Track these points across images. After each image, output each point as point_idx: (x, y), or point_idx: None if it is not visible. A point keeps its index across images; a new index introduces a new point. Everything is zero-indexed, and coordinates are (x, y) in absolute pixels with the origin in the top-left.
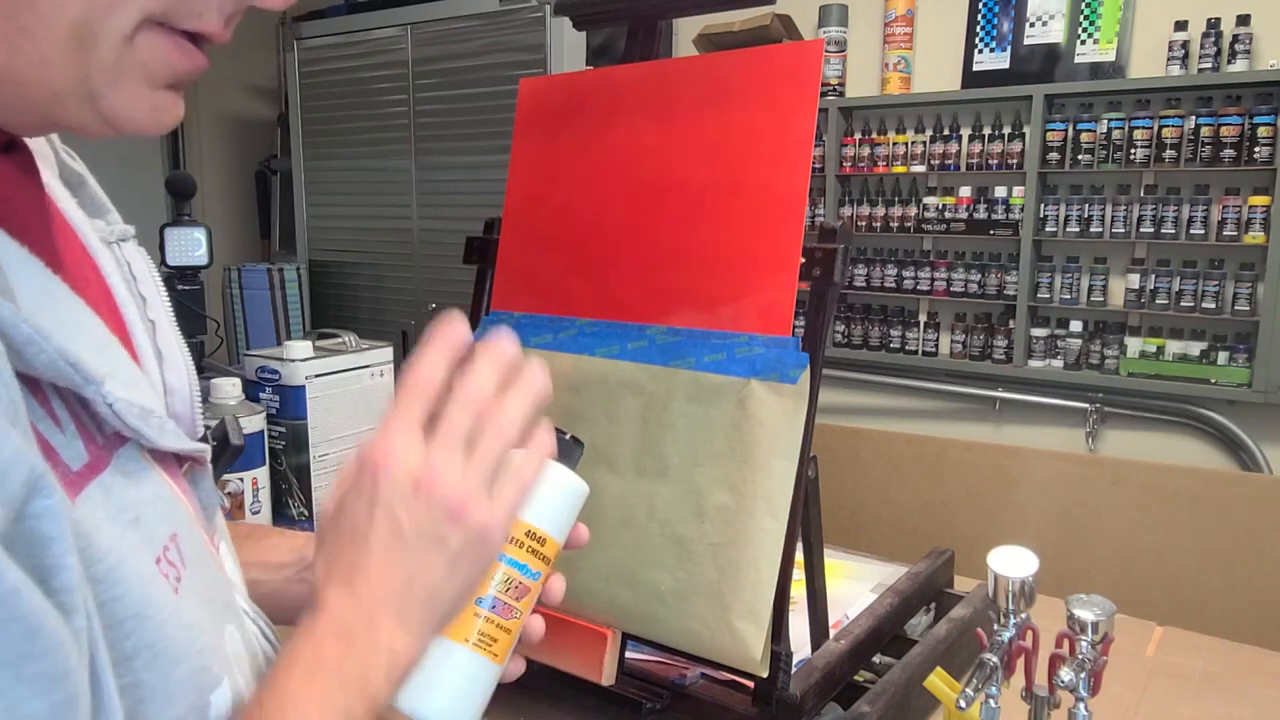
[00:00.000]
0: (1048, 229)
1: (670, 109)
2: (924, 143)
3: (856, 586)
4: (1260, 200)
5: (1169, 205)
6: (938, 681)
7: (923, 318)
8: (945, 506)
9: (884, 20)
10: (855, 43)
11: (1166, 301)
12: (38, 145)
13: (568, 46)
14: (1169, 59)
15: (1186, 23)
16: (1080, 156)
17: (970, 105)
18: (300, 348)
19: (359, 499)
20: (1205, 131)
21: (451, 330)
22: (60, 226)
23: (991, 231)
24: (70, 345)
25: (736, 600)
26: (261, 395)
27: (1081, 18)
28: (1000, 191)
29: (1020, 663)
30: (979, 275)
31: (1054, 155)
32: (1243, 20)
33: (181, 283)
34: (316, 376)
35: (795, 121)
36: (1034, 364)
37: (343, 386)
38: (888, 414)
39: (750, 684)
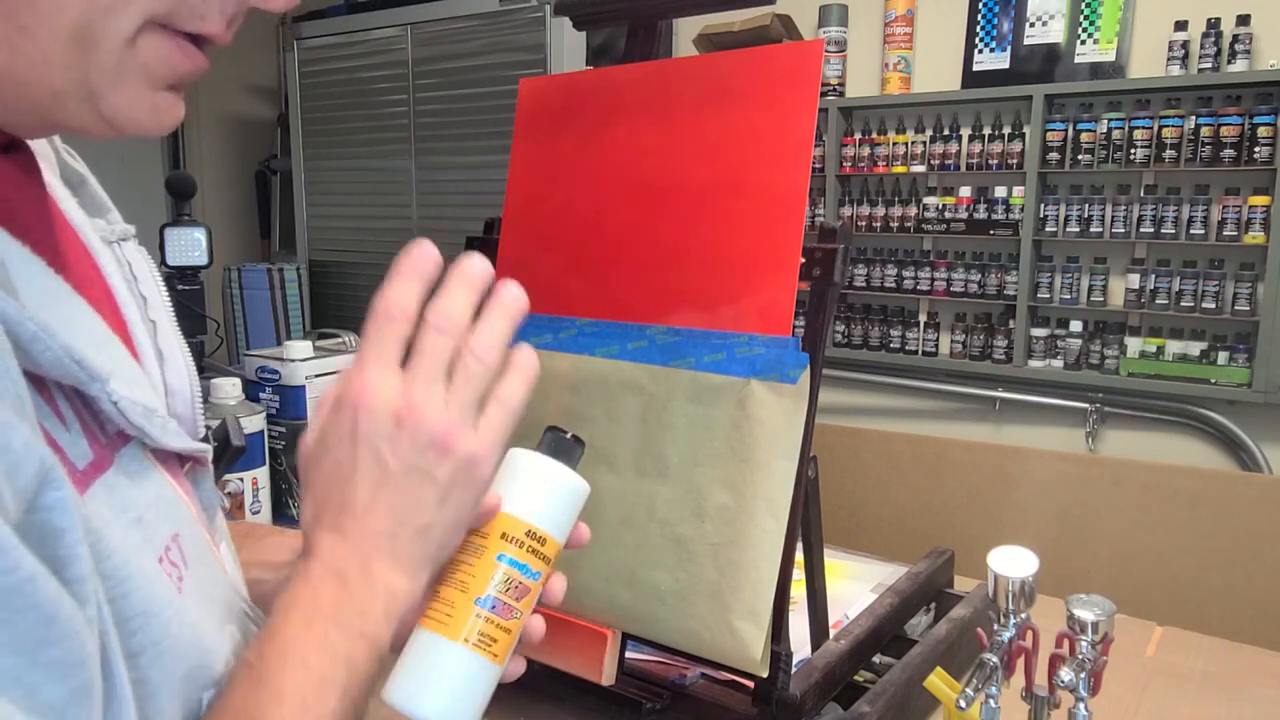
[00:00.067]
0: (1048, 229)
1: (670, 109)
2: (924, 143)
3: (856, 586)
4: (1260, 200)
5: (1169, 205)
6: (938, 681)
7: (923, 318)
8: (945, 506)
9: (884, 20)
10: (855, 43)
11: (1166, 301)
12: (38, 145)
13: (568, 46)
14: (1169, 59)
15: (1186, 23)
16: (1080, 156)
17: (970, 105)
18: (300, 348)
19: (340, 439)
20: (1205, 131)
21: (419, 255)
22: (62, 226)
23: (991, 231)
24: (74, 344)
25: (736, 600)
26: (261, 395)
27: (1081, 18)
28: (1000, 191)
29: (1020, 663)
30: (979, 275)
31: (1054, 155)
32: (1243, 20)
33: (181, 283)
34: (316, 376)
35: (795, 121)
36: (1034, 364)
37: None
38: (888, 414)
39: (750, 684)
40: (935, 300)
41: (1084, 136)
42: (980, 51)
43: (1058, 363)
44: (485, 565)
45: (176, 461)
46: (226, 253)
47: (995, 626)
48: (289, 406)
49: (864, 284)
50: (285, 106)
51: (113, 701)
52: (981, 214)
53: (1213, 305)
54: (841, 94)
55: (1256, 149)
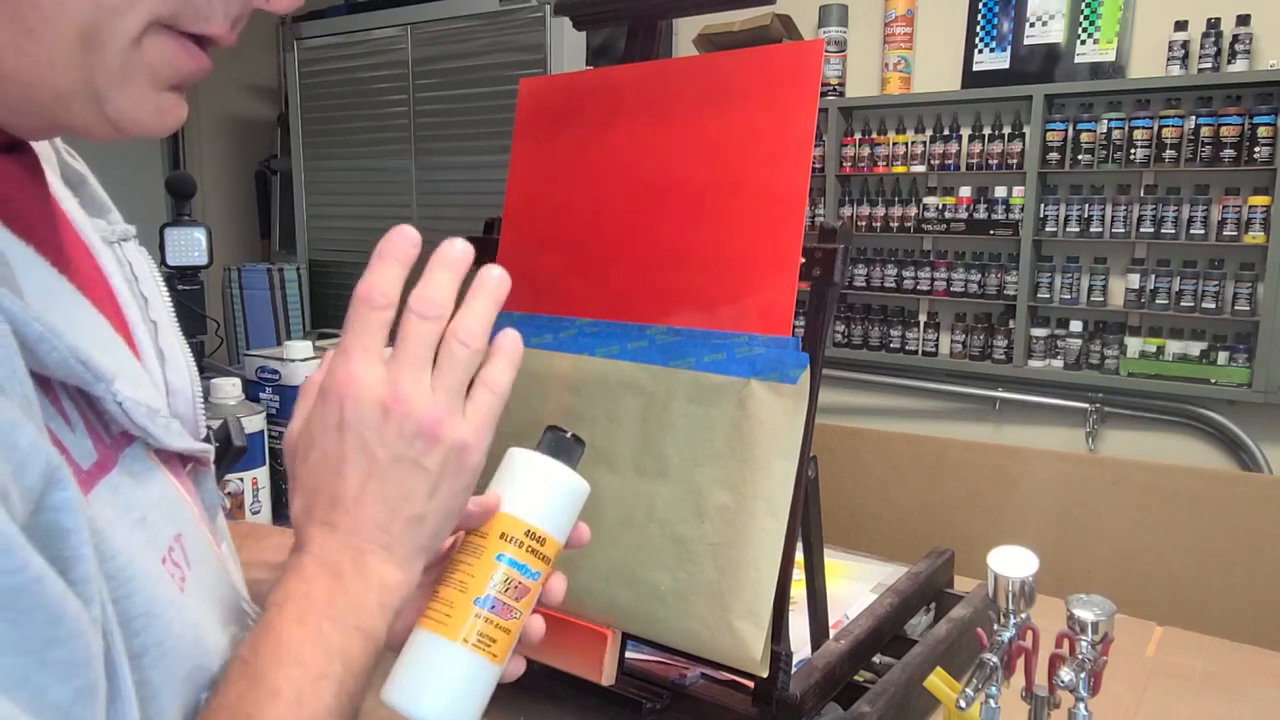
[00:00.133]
0: (1048, 229)
1: (670, 109)
2: (924, 143)
3: (856, 586)
4: (1260, 200)
5: (1169, 205)
6: (938, 681)
7: (923, 318)
8: (945, 506)
9: (884, 20)
10: (855, 43)
11: (1166, 301)
12: (40, 146)
13: (568, 46)
14: (1169, 59)
15: (1186, 23)
16: (1080, 156)
17: (970, 105)
18: (300, 348)
19: (326, 431)
20: (1205, 131)
21: (398, 238)
22: (64, 227)
23: (991, 231)
24: (80, 344)
25: (736, 600)
26: (261, 395)
27: (1081, 18)
28: (1000, 191)
29: (1020, 663)
30: (979, 275)
31: (1054, 155)
32: (1243, 20)
33: (181, 283)
34: None
35: (795, 121)
36: (1034, 364)
37: None
38: (888, 414)
39: (750, 684)
40: (935, 300)
41: (1084, 136)
42: (980, 51)
43: (1058, 363)
44: (484, 565)
45: (179, 462)
46: (226, 253)
47: (995, 626)
48: (289, 406)
49: (864, 284)
50: (285, 106)
51: (116, 701)
52: (981, 214)
53: (1213, 305)
54: (841, 94)
55: (1256, 149)
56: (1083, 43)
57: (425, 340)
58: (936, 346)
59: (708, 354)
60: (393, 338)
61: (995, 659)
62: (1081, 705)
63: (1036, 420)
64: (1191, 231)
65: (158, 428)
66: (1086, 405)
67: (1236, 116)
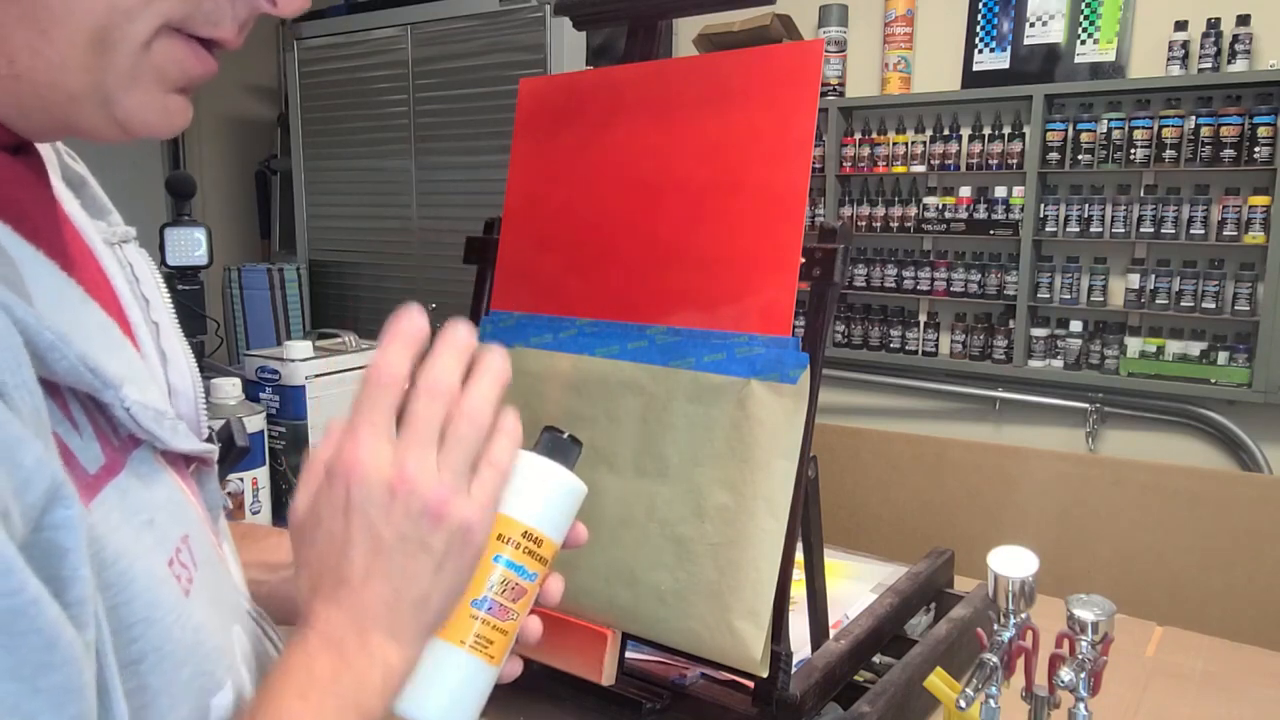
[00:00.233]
0: (1048, 229)
1: (670, 109)
2: (924, 143)
3: (856, 586)
4: (1260, 200)
5: (1169, 205)
6: (938, 681)
7: (923, 318)
8: (945, 506)
9: (884, 20)
10: (855, 43)
11: (1166, 301)
12: (42, 147)
13: (568, 46)
14: (1169, 59)
15: (1186, 23)
16: (1080, 156)
17: (970, 105)
18: (300, 348)
19: (333, 509)
20: (1205, 131)
21: (409, 322)
22: (68, 228)
23: (991, 231)
24: (88, 349)
25: (736, 600)
26: (261, 395)
27: (1081, 18)
28: (1000, 191)
29: (1020, 663)
30: (979, 275)
31: (1054, 155)
32: (1243, 20)
33: (181, 283)
34: (316, 376)
35: (795, 121)
36: (1034, 364)
37: (343, 386)
38: (888, 414)
39: (750, 684)
40: (935, 300)
41: (1084, 136)
42: (980, 51)
43: (1058, 363)
44: (482, 566)
45: (183, 462)
46: (226, 253)
47: (995, 626)
48: (289, 406)
49: (864, 284)
50: (285, 106)
51: None
52: (981, 214)
53: (1213, 305)
54: (841, 94)
55: (1256, 149)
56: (1083, 43)
57: (432, 420)
58: (936, 346)
59: (708, 354)
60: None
61: (995, 659)
62: (1081, 705)
63: (1036, 420)
64: (1191, 231)
65: (164, 431)
66: (1086, 405)
67: (1236, 116)
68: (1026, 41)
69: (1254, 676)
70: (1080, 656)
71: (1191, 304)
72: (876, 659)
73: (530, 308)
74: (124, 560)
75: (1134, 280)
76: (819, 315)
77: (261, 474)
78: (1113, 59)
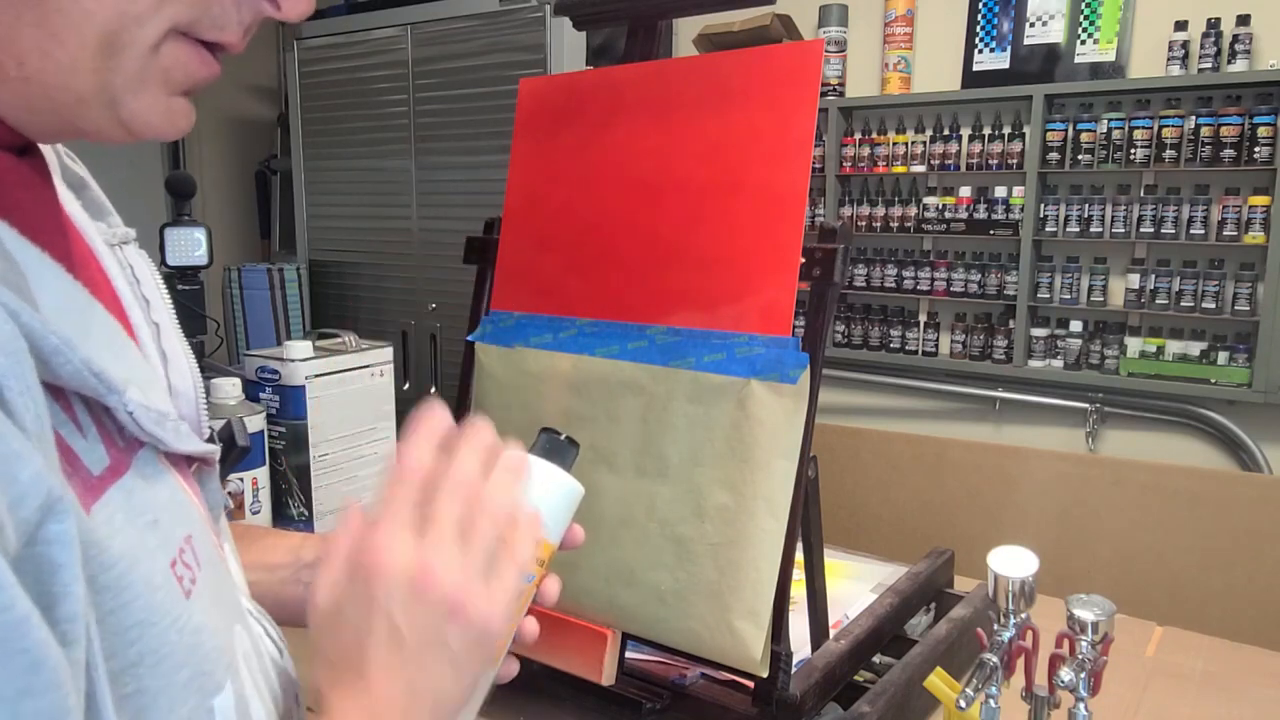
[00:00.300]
0: (1048, 229)
1: (670, 109)
2: (924, 143)
3: (856, 586)
4: (1260, 200)
5: (1169, 205)
6: (938, 681)
7: (923, 318)
8: (945, 506)
9: (884, 20)
10: (855, 43)
11: (1166, 301)
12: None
13: (568, 46)
14: (1169, 59)
15: (1186, 23)
16: (1080, 156)
17: (970, 105)
18: (300, 348)
19: (355, 604)
20: (1205, 131)
21: (432, 417)
22: (70, 230)
23: (991, 231)
24: (93, 353)
25: (736, 600)
26: (261, 395)
27: (1081, 18)
28: (1000, 191)
29: (1020, 663)
30: (979, 275)
31: (1054, 155)
32: (1243, 20)
33: (181, 283)
34: (316, 376)
35: (795, 121)
36: (1034, 364)
37: (343, 386)
38: (888, 414)
39: (750, 684)
40: (935, 300)
41: (1084, 136)
42: (980, 51)
43: (1058, 363)
44: None
45: (185, 463)
46: (226, 253)
47: (995, 626)
48: (289, 406)
49: (864, 284)
50: (285, 106)
51: None
52: (981, 214)
53: (1213, 305)
54: (841, 94)
55: (1256, 149)
56: (1083, 43)
57: (454, 516)
58: (936, 346)
59: (708, 354)
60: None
61: (995, 659)
62: (1081, 705)
63: (1036, 420)
64: (1191, 231)
65: (167, 433)
66: (1086, 405)
67: (1236, 116)
68: (1026, 41)
69: (1254, 676)
70: (1080, 656)
71: (1191, 304)
72: (876, 659)
73: (530, 308)
74: (124, 562)
75: (1134, 280)
76: (819, 315)
77: (261, 474)
78: (1113, 59)
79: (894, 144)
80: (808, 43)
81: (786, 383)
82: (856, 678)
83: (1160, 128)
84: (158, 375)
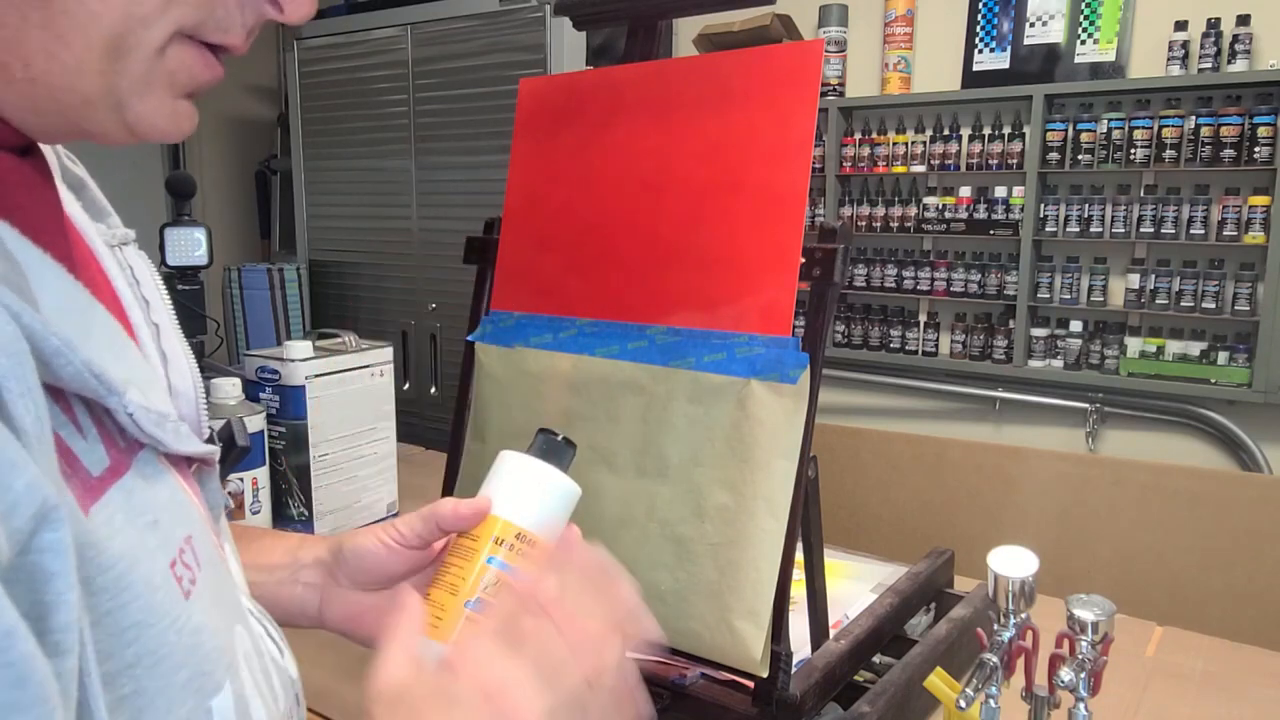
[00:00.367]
0: (1048, 229)
1: (670, 109)
2: (924, 143)
3: (856, 586)
4: (1260, 200)
5: (1169, 205)
6: (938, 681)
7: (923, 318)
8: (945, 506)
9: (884, 20)
10: (855, 43)
11: (1166, 301)
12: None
13: (568, 46)
14: (1169, 59)
15: (1186, 23)
16: (1080, 156)
17: (970, 105)
18: (300, 348)
19: (426, 694)
20: (1205, 131)
21: (570, 551)
22: (72, 230)
23: (991, 231)
24: (94, 354)
25: (736, 600)
26: (261, 395)
27: (1081, 18)
28: (1000, 191)
29: (1020, 663)
30: (979, 275)
31: (1054, 155)
32: (1243, 20)
33: (181, 283)
34: (316, 376)
35: (795, 121)
36: (1034, 364)
37: (343, 386)
38: (888, 414)
39: (750, 684)
40: (935, 300)
41: (1084, 136)
42: (980, 51)
43: (1058, 363)
44: (475, 568)
45: (185, 463)
46: (226, 253)
47: (995, 626)
48: (289, 406)
49: (864, 284)
50: (285, 106)
51: None
52: (981, 214)
53: (1213, 305)
54: (841, 94)
55: (1256, 149)
56: (1083, 43)
57: (546, 645)
58: (936, 346)
59: (708, 354)
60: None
61: (995, 659)
62: (1081, 705)
63: (1036, 420)
64: (1191, 231)
65: (167, 434)
66: (1086, 405)
67: (1236, 116)
68: (1026, 41)
69: (1254, 676)
70: (1080, 656)
71: (1191, 304)
72: (876, 659)
73: (530, 308)
74: (124, 563)
75: (1134, 280)
76: (819, 315)
77: (261, 474)
78: (1113, 59)
79: (894, 144)
80: (808, 43)
81: (786, 383)
82: (856, 678)
83: (1160, 128)
84: (158, 376)
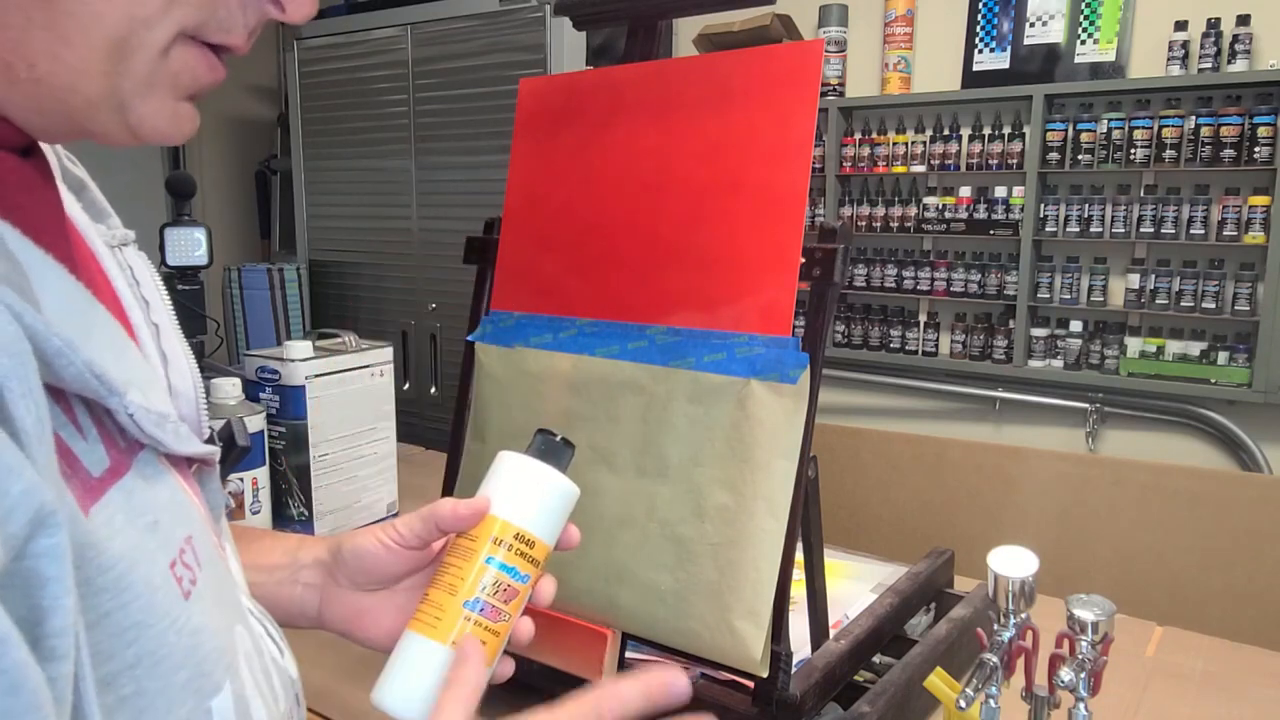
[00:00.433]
0: (1048, 229)
1: (670, 109)
2: (924, 143)
3: (856, 586)
4: (1260, 200)
5: (1169, 205)
6: (938, 681)
7: (923, 318)
8: (945, 506)
9: (884, 20)
10: (855, 43)
11: (1166, 301)
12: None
13: (568, 46)
14: (1169, 59)
15: (1186, 23)
16: (1080, 156)
17: (970, 105)
18: (300, 348)
19: None
20: (1205, 131)
21: (664, 686)
22: (72, 231)
23: (991, 231)
24: (95, 354)
25: (736, 600)
26: (261, 395)
27: (1081, 18)
28: (1000, 191)
29: (1020, 663)
30: (979, 275)
31: (1054, 155)
32: (1243, 20)
33: (181, 283)
34: (316, 376)
35: (795, 121)
36: (1034, 364)
37: (343, 386)
38: (888, 414)
39: (750, 684)
40: (935, 300)
41: (1084, 136)
42: (980, 51)
43: (1058, 363)
44: (474, 568)
45: (185, 463)
46: (226, 253)
47: (995, 626)
48: (289, 406)
49: (864, 284)
50: (285, 106)
51: None
52: (981, 214)
53: (1213, 305)
54: (841, 94)
55: (1256, 149)
56: (1083, 43)
57: None
58: (936, 346)
59: (708, 354)
60: None
61: (995, 659)
62: (1081, 705)
63: (1036, 420)
64: (1191, 231)
65: (167, 435)
66: (1086, 405)
67: (1236, 116)
68: (1026, 41)
69: (1254, 676)
70: (1080, 656)
71: (1191, 304)
72: (876, 659)
73: (530, 308)
74: (124, 563)
75: (1134, 280)
76: (819, 315)
77: (261, 474)
78: (1113, 59)
79: (894, 144)
80: (808, 43)
81: (786, 383)
82: (856, 678)
83: (1160, 128)
84: (158, 376)
